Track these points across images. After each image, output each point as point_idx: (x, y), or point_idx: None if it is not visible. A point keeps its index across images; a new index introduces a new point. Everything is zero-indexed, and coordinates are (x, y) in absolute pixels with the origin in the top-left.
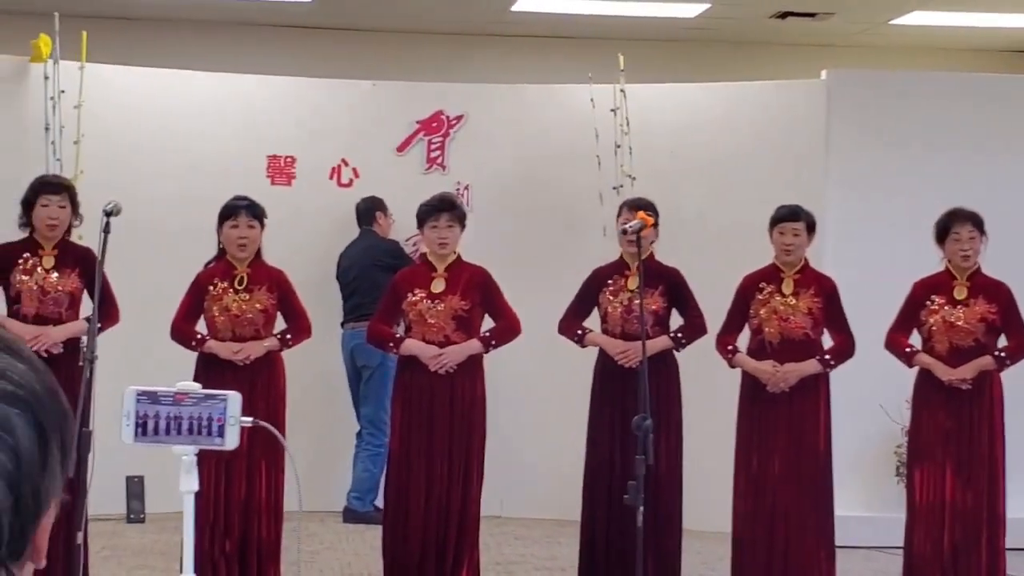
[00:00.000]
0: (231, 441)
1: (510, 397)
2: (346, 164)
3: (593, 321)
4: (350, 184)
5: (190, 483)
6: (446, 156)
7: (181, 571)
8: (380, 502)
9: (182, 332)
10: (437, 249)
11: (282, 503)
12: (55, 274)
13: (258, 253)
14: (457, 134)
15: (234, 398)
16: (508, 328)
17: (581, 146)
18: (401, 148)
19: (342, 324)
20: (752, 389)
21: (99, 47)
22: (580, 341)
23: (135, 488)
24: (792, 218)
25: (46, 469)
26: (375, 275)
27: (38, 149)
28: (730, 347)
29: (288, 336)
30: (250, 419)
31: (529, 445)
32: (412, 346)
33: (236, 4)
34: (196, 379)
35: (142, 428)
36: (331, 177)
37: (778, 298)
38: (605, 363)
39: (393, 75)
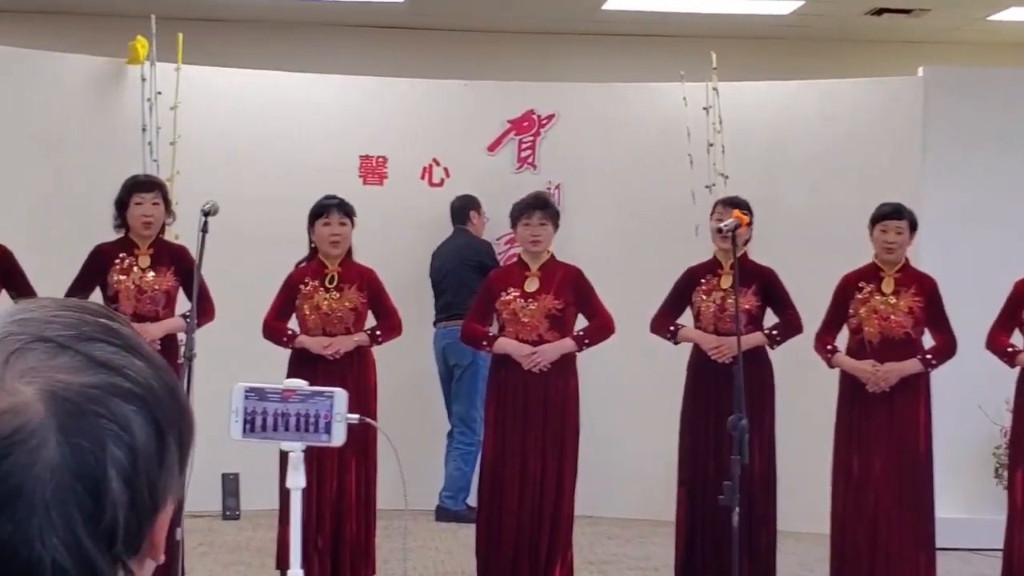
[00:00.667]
0: (338, 438)
1: (603, 396)
2: (437, 164)
3: (685, 321)
4: (441, 184)
5: (297, 479)
6: (537, 155)
7: (276, 566)
8: (472, 501)
9: (274, 329)
10: (530, 247)
11: (374, 500)
12: (151, 273)
13: (349, 252)
14: (548, 133)
15: (340, 395)
16: (602, 327)
17: (673, 145)
18: (492, 147)
19: (434, 323)
20: (851, 389)
21: (195, 49)
22: (673, 338)
23: (230, 485)
24: (895, 216)
25: (163, 466)
26: (466, 274)
27: (135, 150)
28: (829, 346)
29: (378, 332)
30: (356, 416)
31: (622, 444)
32: (506, 345)
33: (329, 5)
34: (288, 376)
35: (250, 424)
36: (422, 177)
37: (878, 297)
38: (698, 361)
39: (484, 75)
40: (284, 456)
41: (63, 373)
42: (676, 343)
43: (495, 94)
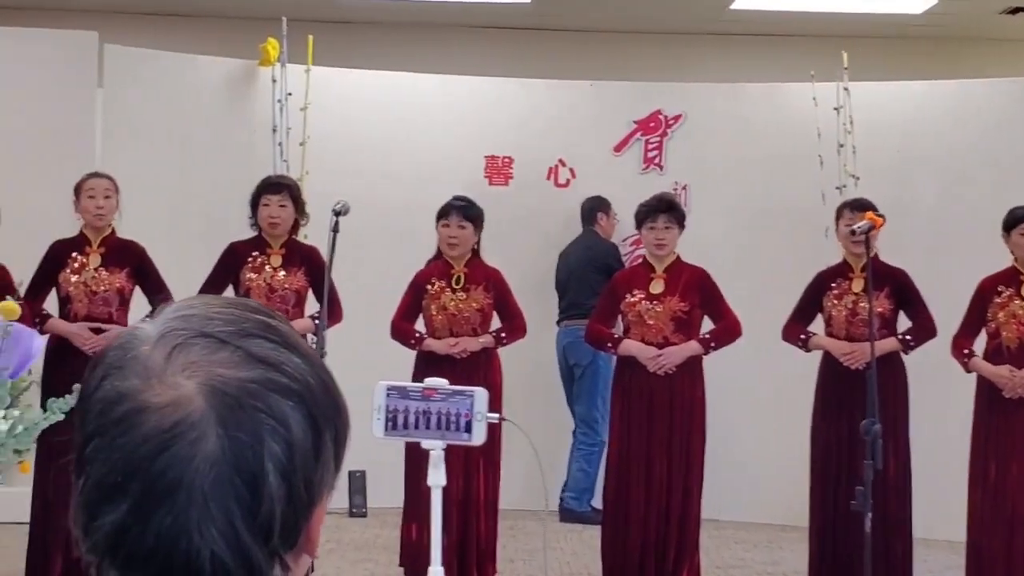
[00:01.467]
0: (478, 436)
1: (730, 399)
2: (563, 164)
3: (816, 326)
4: (567, 184)
5: (438, 477)
6: (664, 156)
7: (400, 564)
8: (596, 502)
9: (401, 330)
10: (655, 250)
11: (499, 501)
12: (282, 272)
13: (476, 252)
14: (675, 134)
15: (481, 394)
16: (728, 330)
17: (803, 146)
18: (618, 148)
19: (557, 322)
20: (989, 394)
21: (324, 50)
22: (804, 346)
23: (357, 483)
24: None
25: (319, 461)
26: (590, 276)
27: (266, 150)
28: (966, 351)
29: (503, 334)
30: (497, 415)
31: (749, 448)
32: (631, 347)
33: (455, 6)
34: (415, 377)
35: (392, 422)
36: (548, 177)
37: (1017, 302)
38: (830, 366)
39: (611, 75)
40: (409, 454)
41: (223, 368)
42: (808, 351)
43: (622, 94)
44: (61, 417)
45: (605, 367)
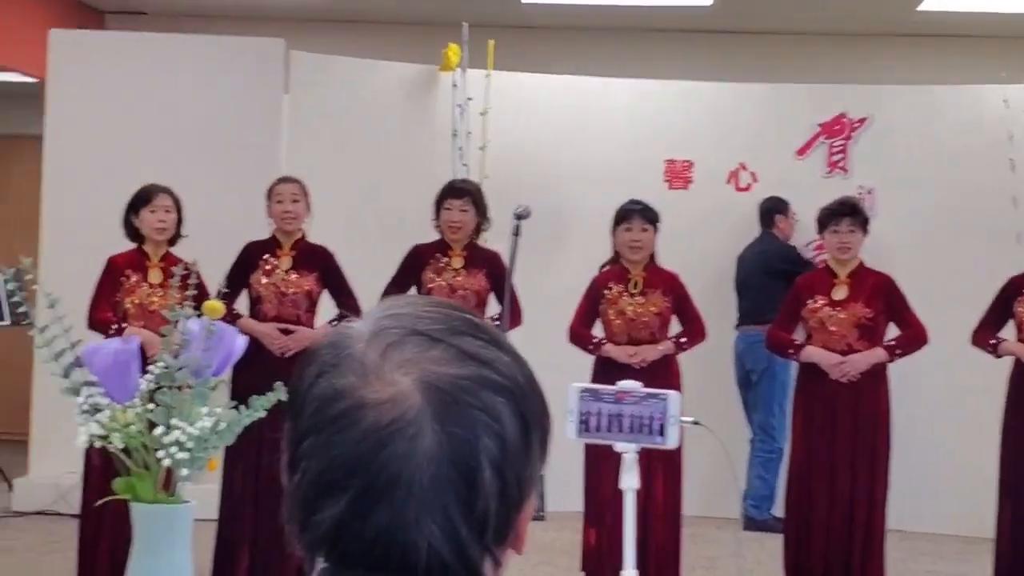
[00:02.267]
0: (672, 440)
1: (915, 406)
2: (744, 168)
3: (1007, 331)
4: (748, 188)
5: (631, 480)
6: (848, 159)
7: (582, 568)
8: (776, 510)
9: (579, 335)
10: (838, 255)
11: (680, 507)
12: (464, 274)
13: (653, 257)
14: (860, 137)
15: (674, 397)
16: (914, 337)
17: (993, 149)
18: (802, 151)
19: (735, 327)
20: None
21: (504, 55)
22: (994, 351)
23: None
24: None
25: (528, 457)
26: (765, 280)
27: (445, 154)
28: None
29: (683, 340)
30: (691, 418)
31: (936, 457)
32: (813, 353)
33: (636, 9)
34: (594, 380)
35: (585, 425)
36: (729, 181)
37: None
38: (1021, 373)
39: (793, 77)
40: (589, 458)
41: (437, 365)
42: (998, 356)
43: (805, 97)
44: (262, 414)
45: (782, 372)
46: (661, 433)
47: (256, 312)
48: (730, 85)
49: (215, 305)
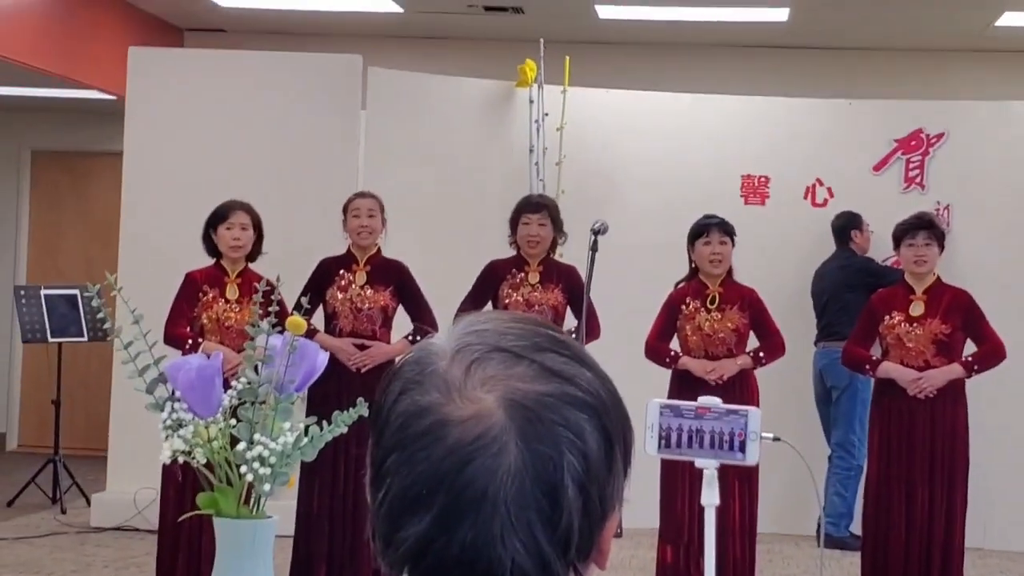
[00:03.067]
0: (752, 456)
1: (994, 423)
2: (821, 183)
3: None
4: (825, 204)
5: (712, 496)
6: (925, 175)
7: None
8: (855, 527)
9: (656, 350)
10: (914, 268)
11: (756, 523)
12: (540, 289)
13: (729, 272)
14: (937, 152)
15: (755, 414)
16: (992, 352)
17: None
18: (878, 167)
19: (814, 343)
20: None
21: (580, 71)
22: None
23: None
24: None
25: (611, 473)
26: (845, 295)
27: (523, 171)
28: None
29: (762, 355)
30: (771, 434)
31: (1015, 475)
32: (890, 369)
33: (711, 25)
34: (671, 395)
35: (665, 440)
36: (805, 197)
37: None
38: None
39: (869, 93)
40: (665, 474)
41: (521, 381)
42: None
43: (881, 112)
44: (344, 430)
45: (864, 389)
46: (742, 449)
47: (332, 327)
48: (806, 101)
49: (298, 321)
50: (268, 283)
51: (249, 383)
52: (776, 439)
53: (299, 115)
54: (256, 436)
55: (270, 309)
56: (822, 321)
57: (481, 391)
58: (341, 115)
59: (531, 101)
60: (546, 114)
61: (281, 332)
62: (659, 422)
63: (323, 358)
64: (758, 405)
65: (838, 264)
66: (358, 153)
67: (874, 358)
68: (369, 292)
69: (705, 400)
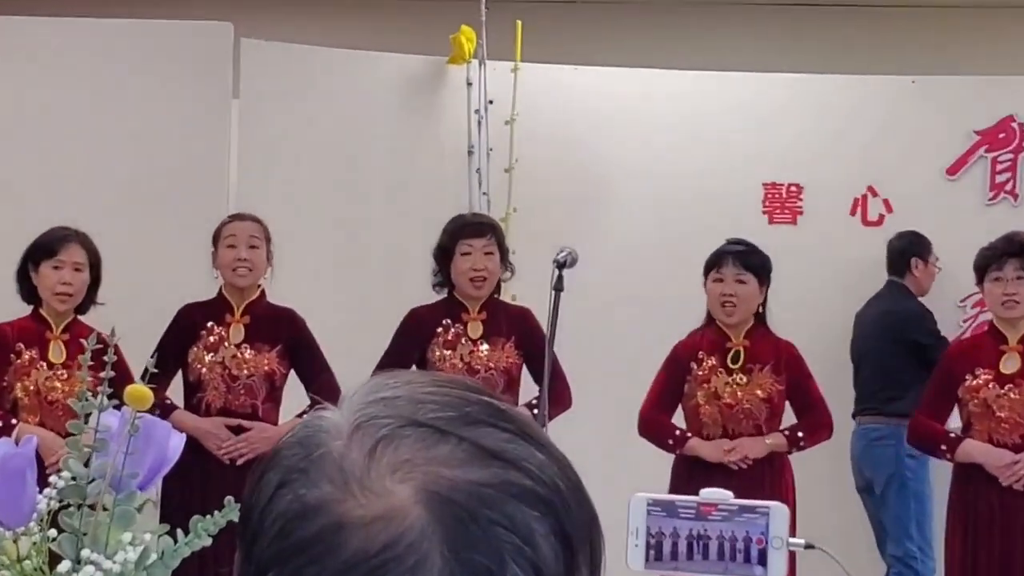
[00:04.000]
0: (776, 570)
1: None
2: (874, 194)
3: None
4: (880, 222)
5: None
6: (1019, 180)
7: None
8: None
9: (655, 425)
10: (1003, 311)
11: None
12: (486, 346)
13: (760, 318)
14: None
15: (779, 511)
16: None
17: None
18: (953, 170)
19: (852, 416)
20: None
21: (537, 40)
22: None
23: None
24: None
25: None
26: (886, 354)
27: (458, 179)
28: None
29: (800, 434)
30: (802, 541)
31: None
32: (975, 450)
33: None
34: (673, 489)
35: (655, 550)
36: (853, 212)
37: None
38: None
39: (941, 67)
40: None
41: (446, 467)
42: None
43: (957, 94)
44: (208, 542)
45: (915, 481)
46: (761, 562)
47: (195, 402)
48: (853, 79)
49: (141, 392)
50: (100, 338)
51: (74, 479)
52: (809, 546)
53: (145, 105)
54: (85, 552)
55: (103, 375)
56: (860, 386)
57: (391, 481)
58: (204, 104)
59: (469, 83)
60: (490, 101)
61: (119, 407)
62: (647, 525)
63: (177, 443)
64: (794, 503)
65: (881, 309)
66: (228, 158)
67: (952, 435)
68: (248, 353)
69: (710, 494)
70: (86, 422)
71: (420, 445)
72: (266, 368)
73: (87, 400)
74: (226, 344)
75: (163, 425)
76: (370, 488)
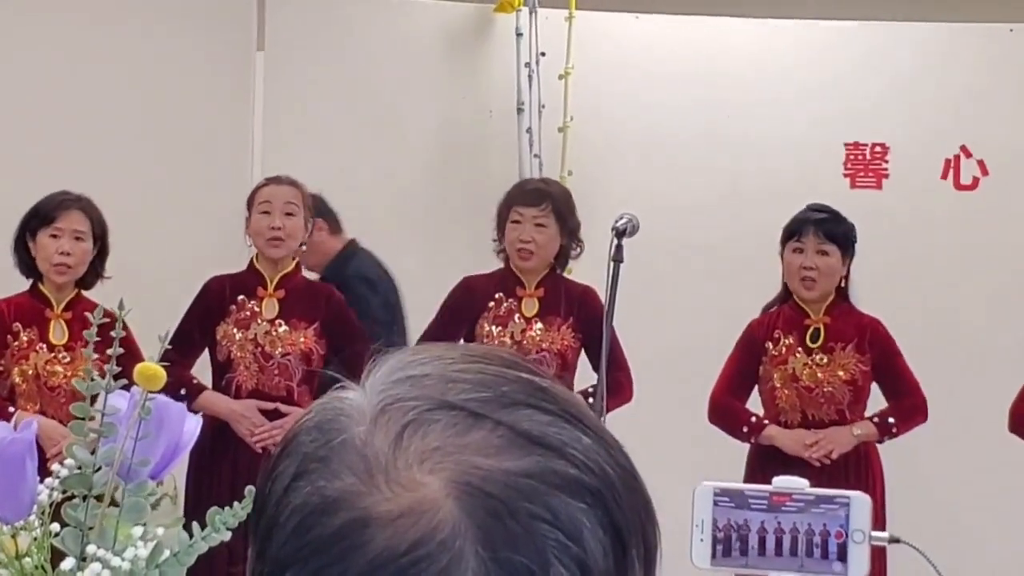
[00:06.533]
0: (858, 567)
1: None
2: (968, 154)
3: None
4: (974, 185)
5: None
6: None
7: None
8: None
9: (728, 411)
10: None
11: None
12: (539, 324)
13: (841, 292)
14: None
15: (861, 501)
16: None
17: None
18: None
19: None
20: None
21: None
22: None
23: None
24: None
25: None
26: None
27: (507, 139)
28: None
29: (891, 420)
30: (886, 535)
31: None
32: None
33: None
34: (749, 482)
35: (723, 545)
36: (944, 176)
37: None
38: None
39: None
40: None
41: (481, 456)
42: None
43: None
44: (226, 537)
45: None
46: (841, 558)
47: (225, 383)
48: (943, 27)
49: (152, 369)
50: (106, 313)
51: (79, 467)
52: (895, 540)
53: (163, 60)
54: (91, 548)
55: (111, 352)
56: None
57: (420, 472)
58: (227, 58)
59: (519, 34)
60: (542, 53)
61: (128, 388)
62: (713, 516)
63: (192, 427)
64: (883, 495)
65: None
66: (253, 116)
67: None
68: (283, 330)
69: (784, 482)
70: (92, 404)
71: (452, 431)
72: (303, 346)
73: (93, 380)
74: (259, 320)
75: (177, 407)
76: (397, 480)
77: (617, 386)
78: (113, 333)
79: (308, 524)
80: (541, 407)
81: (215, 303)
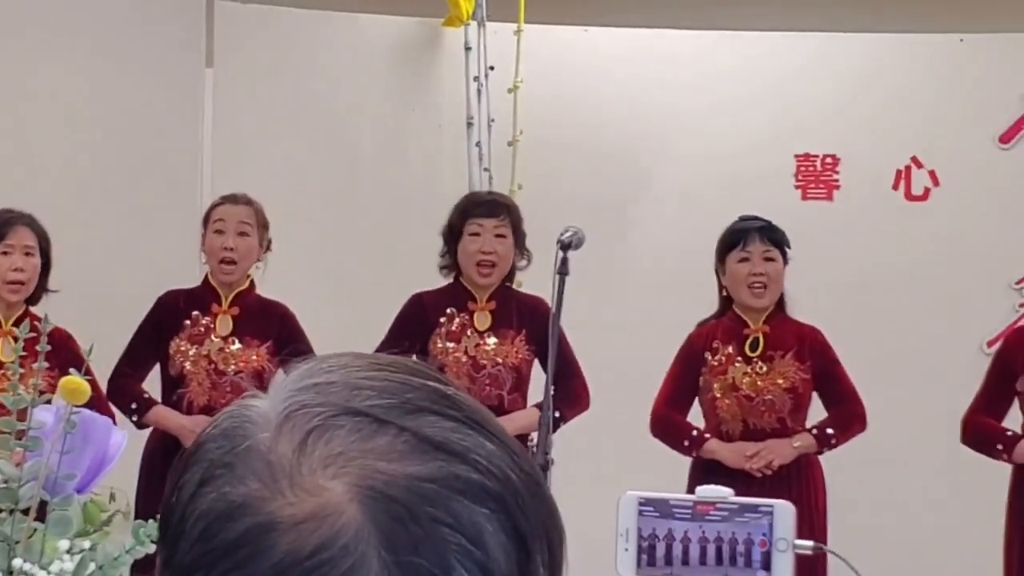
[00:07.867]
0: (782, 574)
1: None
2: (919, 165)
3: None
4: (925, 196)
5: None
6: None
7: None
8: None
9: (669, 424)
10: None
11: None
12: (493, 339)
13: (780, 303)
14: None
15: (784, 509)
16: None
17: None
18: (1007, 138)
19: None
20: None
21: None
22: None
23: None
24: None
25: None
26: None
27: (456, 154)
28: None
29: (830, 431)
30: (810, 543)
31: None
32: None
33: None
34: (693, 490)
35: (647, 555)
36: (895, 186)
37: None
38: None
39: (991, 24)
40: None
41: (385, 460)
42: None
43: (1010, 54)
44: (151, 549)
45: None
46: (765, 566)
47: (177, 398)
48: (894, 37)
49: (76, 383)
50: (34, 325)
51: (5, 481)
52: (818, 549)
53: (110, 76)
54: (17, 562)
55: (36, 367)
56: None
57: (324, 477)
58: (175, 74)
59: (467, 48)
60: (491, 67)
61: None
62: (638, 526)
63: (117, 441)
64: (825, 506)
65: None
66: (202, 132)
67: (1010, 433)
68: (236, 348)
69: (708, 492)
70: (21, 419)
71: (356, 436)
72: (255, 364)
73: (19, 395)
74: (212, 337)
75: (103, 421)
76: (300, 485)
77: (573, 395)
78: (39, 347)
79: (213, 530)
80: (445, 413)
81: (169, 317)
